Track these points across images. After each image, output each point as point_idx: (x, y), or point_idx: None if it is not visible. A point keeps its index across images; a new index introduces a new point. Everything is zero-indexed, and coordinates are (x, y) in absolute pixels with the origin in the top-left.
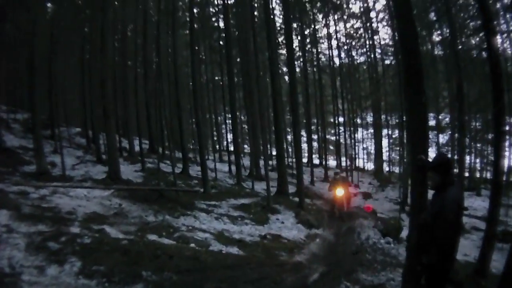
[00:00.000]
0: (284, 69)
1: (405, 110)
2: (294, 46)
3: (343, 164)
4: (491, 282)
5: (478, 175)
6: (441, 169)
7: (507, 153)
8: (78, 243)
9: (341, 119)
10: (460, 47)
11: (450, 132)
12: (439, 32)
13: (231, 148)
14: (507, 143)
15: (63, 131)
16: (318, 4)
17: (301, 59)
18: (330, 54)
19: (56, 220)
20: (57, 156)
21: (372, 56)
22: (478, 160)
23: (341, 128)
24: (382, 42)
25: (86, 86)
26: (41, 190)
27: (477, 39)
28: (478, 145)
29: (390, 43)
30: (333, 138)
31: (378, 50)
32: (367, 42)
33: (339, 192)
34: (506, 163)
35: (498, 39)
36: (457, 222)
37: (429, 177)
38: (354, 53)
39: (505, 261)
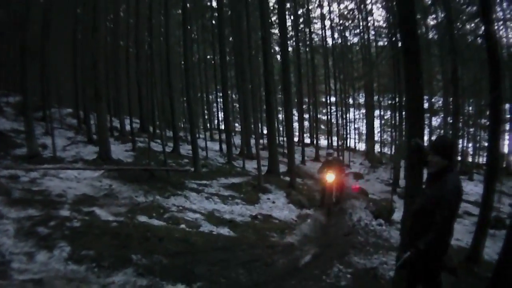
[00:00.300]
0: (277, 48)
1: (404, 91)
2: (287, 26)
3: (335, 144)
4: (484, 269)
5: (470, 159)
6: (444, 153)
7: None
8: (68, 227)
9: (333, 99)
10: (456, 31)
11: (442, 116)
12: (434, 16)
13: (222, 127)
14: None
15: (54, 113)
16: None
17: (294, 39)
18: (323, 35)
19: (46, 203)
20: (48, 138)
21: (366, 37)
22: (470, 145)
23: (333, 108)
24: (376, 24)
25: (78, 67)
26: (32, 173)
27: (472, 25)
28: (471, 129)
29: (384, 25)
30: (324, 117)
31: (372, 32)
32: (361, 23)
33: (330, 177)
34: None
35: (495, 26)
36: (457, 209)
37: (430, 161)
38: (347, 34)
39: (501, 248)
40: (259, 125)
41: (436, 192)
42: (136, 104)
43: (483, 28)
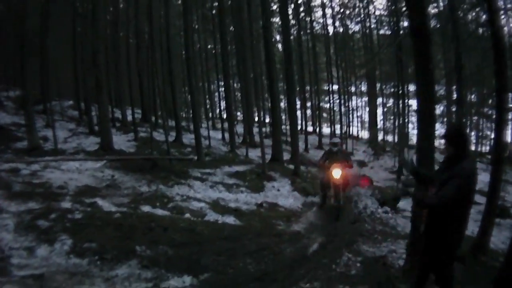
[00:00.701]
0: (277, 37)
1: (406, 80)
2: (288, 14)
3: (337, 132)
4: (491, 258)
5: (473, 148)
6: (452, 141)
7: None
8: (69, 219)
9: (335, 87)
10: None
11: (445, 104)
12: (435, 4)
13: (224, 116)
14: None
15: (55, 105)
16: None
17: (296, 27)
18: (324, 23)
19: (46, 196)
20: (49, 130)
21: (368, 25)
22: (473, 133)
23: (335, 96)
24: (377, 12)
25: (78, 59)
26: (33, 166)
27: (473, 14)
28: (474, 118)
29: (385, 13)
30: (327, 105)
31: (373, 20)
32: (362, 12)
33: (337, 173)
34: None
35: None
36: (470, 194)
37: (445, 148)
38: (348, 22)
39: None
40: (262, 113)
41: (450, 175)
42: (137, 94)
43: (484, 17)
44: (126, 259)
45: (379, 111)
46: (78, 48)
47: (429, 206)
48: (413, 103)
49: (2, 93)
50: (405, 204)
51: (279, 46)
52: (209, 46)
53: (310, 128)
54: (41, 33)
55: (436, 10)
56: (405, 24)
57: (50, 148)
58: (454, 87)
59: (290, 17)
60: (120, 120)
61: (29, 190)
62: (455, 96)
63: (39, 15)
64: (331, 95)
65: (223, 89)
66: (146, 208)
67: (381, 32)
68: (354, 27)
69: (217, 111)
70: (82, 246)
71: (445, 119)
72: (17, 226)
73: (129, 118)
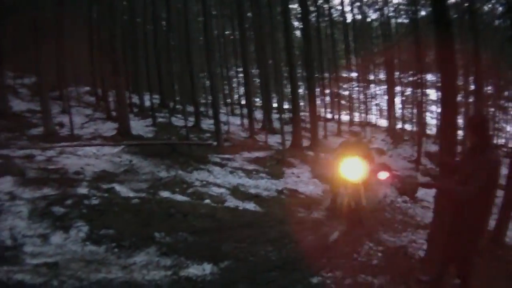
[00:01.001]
0: (295, 23)
1: (424, 69)
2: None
3: (356, 119)
4: (507, 252)
5: None
6: (474, 130)
7: None
8: (85, 205)
9: (353, 75)
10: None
11: (462, 94)
12: None
13: (243, 102)
14: None
15: (71, 91)
16: None
17: (315, 14)
18: (343, 10)
19: (62, 181)
20: (65, 116)
21: (386, 13)
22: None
23: (354, 83)
24: (395, 1)
25: (94, 45)
26: (48, 152)
27: (489, 5)
28: (491, 110)
29: (403, 1)
30: (345, 93)
31: (391, 8)
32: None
33: (355, 174)
34: None
35: None
36: (494, 184)
37: (467, 136)
38: (366, 10)
39: None
40: (281, 99)
41: (474, 165)
42: (155, 79)
43: (500, 9)
44: (145, 246)
45: (398, 99)
46: (94, 33)
47: (457, 196)
48: (431, 92)
49: (17, 80)
50: (424, 194)
51: (297, 33)
52: (226, 32)
53: (329, 115)
54: (56, 19)
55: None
56: (423, 13)
57: (66, 134)
58: (471, 78)
59: (309, 3)
60: (138, 105)
61: (44, 176)
62: (472, 87)
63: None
64: (349, 83)
65: (241, 75)
66: (165, 194)
67: (399, 20)
68: (372, 15)
69: (236, 97)
70: (99, 233)
71: (463, 110)
72: (31, 213)
73: (147, 103)
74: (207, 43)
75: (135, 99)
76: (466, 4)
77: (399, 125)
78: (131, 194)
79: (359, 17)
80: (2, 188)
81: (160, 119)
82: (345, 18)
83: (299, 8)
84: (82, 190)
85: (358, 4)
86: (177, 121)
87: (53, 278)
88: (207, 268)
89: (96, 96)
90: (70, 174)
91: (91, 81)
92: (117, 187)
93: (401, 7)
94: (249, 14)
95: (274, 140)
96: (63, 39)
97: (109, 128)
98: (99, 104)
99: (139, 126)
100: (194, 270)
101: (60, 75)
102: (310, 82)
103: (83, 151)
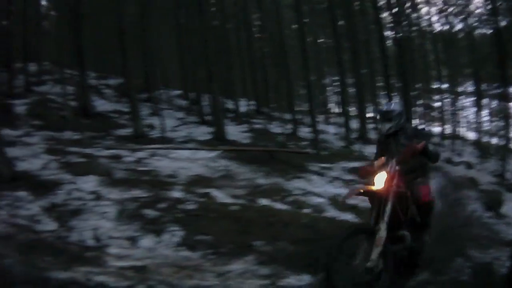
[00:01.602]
0: (386, 33)
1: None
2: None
3: (447, 131)
4: None
5: None
6: None
7: None
8: (180, 209)
9: (443, 86)
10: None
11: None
12: None
13: (337, 110)
14: None
15: (161, 94)
16: None
17: (406, 22)
18: (430, 20)
19: (154, 184)
20: (155, 118)
21: (470, 23)
22: None
23: (443, 95)
24: (478, 11)
25: (184, 50)
26: (137, 153)
27: None
28: None
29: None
30: (436, 104)
31: (475, 18)
32: (463, 9)
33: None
34: None
35: None
36: None
37: None
38: (451, 19)
39: None
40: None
41: None
42: (250, 86)
43: None
44: (242, 254)
45: (484, 112)
46: (183, 38)
47: None
48: None
49: (101, 81)
50: (508, 209)
51: (389, 41)
52: (318, 40)
53: (421, 126)
54: (141, 21)
55: None
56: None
57: (156, 136)
58: None
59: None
60: (232, 111)
61: (134, 178)
62: None
63: (138, 2)
64: (439, 95)
65: (336, 83)
66: (263, 201)
67: (483, 31)
68: (457, 25)
69: (330, 105)
70: (194, 238)
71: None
72: (119, 214)
73: (241, 109)
74: (304, 51)
75: (229, 104)
76: None
77: (486, 138)
78: (229, 200)
79: (446, 27)
80: (85, 187)
81: (256, 125)
82: (432, 28)
83: (390, 17)
84: (176, 193)
85: (444, 14)
86: (273, 128)
87: (140, 282)
88: (306, 278)
89: (188, 99)
90: (163, 177)
91: (183, 85)
92: (214, 192)
93: (483, 17)
94: (341, 23)
95: (369, 150)
96: (150, 43)
97: (203, 132)
98: (191, 108)
99: (234, 132)
100: (293, 280)
101: (150, 78)
102: (406, 92)
103: (175, 154)
